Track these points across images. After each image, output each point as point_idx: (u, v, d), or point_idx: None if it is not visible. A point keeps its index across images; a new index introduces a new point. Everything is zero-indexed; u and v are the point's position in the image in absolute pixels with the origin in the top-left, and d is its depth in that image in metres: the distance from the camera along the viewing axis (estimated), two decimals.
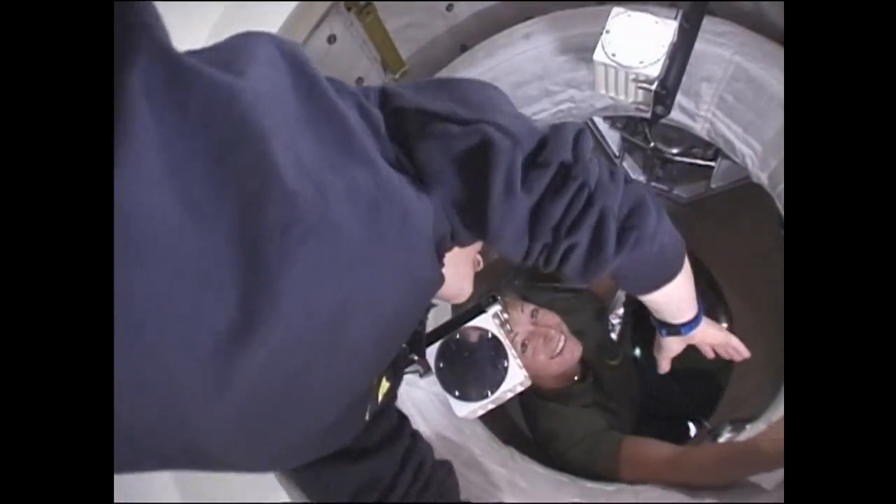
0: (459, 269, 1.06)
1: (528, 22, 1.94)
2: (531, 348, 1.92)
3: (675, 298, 1.11)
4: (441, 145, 0.77)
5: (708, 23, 1.79)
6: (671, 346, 1.33)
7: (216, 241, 0.57)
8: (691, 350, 2.67)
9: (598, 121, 2.42)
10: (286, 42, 0.73)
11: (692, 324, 1.21)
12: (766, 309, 2.46)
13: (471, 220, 0.80)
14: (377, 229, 0.69)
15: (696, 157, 2.23)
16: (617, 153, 2.43)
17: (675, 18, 1.58)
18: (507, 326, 1.52)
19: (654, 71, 1.52)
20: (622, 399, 2.14)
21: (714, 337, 1.31)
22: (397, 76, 2.03)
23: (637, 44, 1.54)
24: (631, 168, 2.50)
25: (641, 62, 1.53)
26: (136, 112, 0.52)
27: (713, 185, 2.36)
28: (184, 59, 0.59)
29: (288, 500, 1.28)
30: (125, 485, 0.94)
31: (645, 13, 1.58)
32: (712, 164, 2.22)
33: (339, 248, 0.65)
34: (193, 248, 0.55)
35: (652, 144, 2.22)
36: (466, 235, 0.82)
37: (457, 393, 1.36)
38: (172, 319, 0.54)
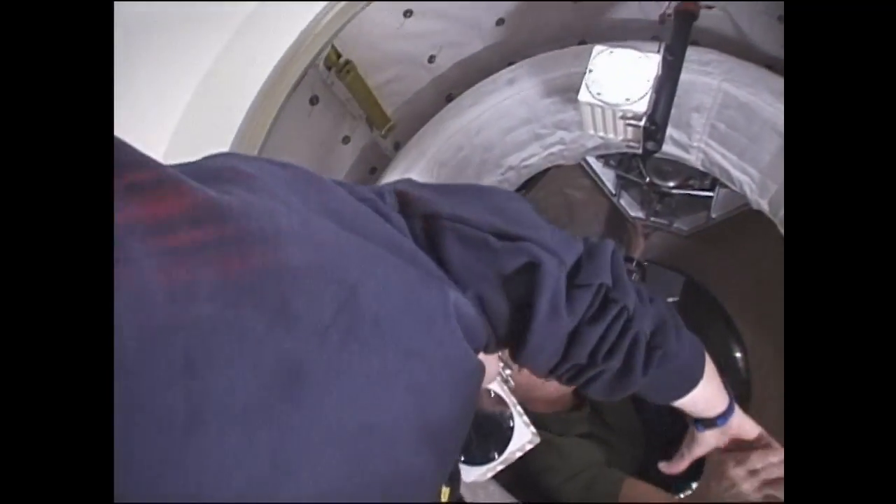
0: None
1: (512, 67, 1.93)
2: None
3: (701, 400, 1.08)
4: (484, 259, 0.73)
5: (693, 52, 1.78)
6: (707, 441, 1.24)
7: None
8: None
9: (592, 160, 2.39)
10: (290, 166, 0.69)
11: (726, 414, 1.17)
12: (779, 337, 2.39)
13: (507, 335, 0.78)
14: (421, 319, 0.64)
15: (693, 189, 2.19)
16: (613, 191, 2.40)
17: (659, 52, 1.56)
18: (511, 383, 1.48)
19: (641, 107, 1.49)
20: (623, 432, 2.07)
21: (750, 431, 1.24)
22: (383, 132, 2.01)
23: (621, 81, 1.52)
24: (629, 205, 2.46)
25: (627, 99, 1.50)
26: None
27: (713, 215, 2.32)
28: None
29: None
30: None
31: (627, 49, 1.55)
32: (710, 194, 2.18)
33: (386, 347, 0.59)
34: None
35: (648, 180, 2.19)
36: (495, 349, 0.80)
37: (463, 457, 1.31)
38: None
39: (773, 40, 1.91)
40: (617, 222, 2.63)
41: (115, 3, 1.28)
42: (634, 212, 2.46)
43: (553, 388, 1.90)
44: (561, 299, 0.75)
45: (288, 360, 0.52)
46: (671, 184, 2.20)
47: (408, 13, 1.83)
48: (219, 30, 1.54)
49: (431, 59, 2.02)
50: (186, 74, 1.52)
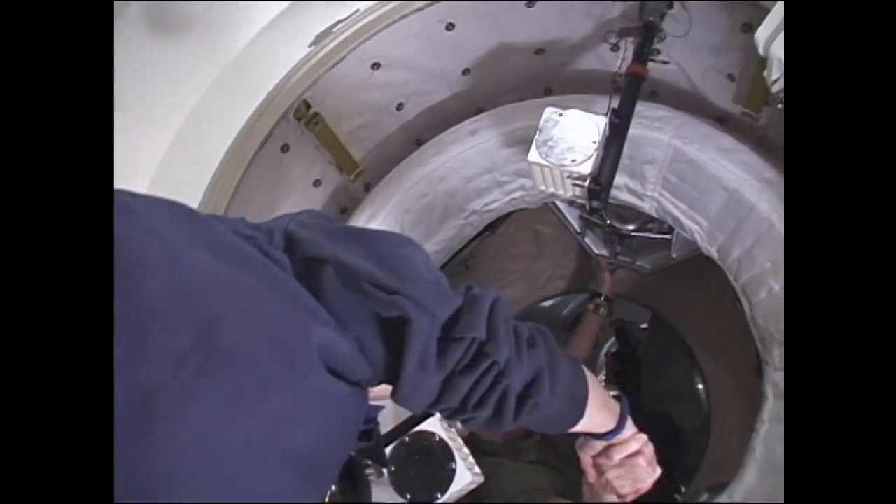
0: None
1: (474, 118, 2.02)
2: None
3: (586, 427, 1.13)
4: (361, 305, 0.78)
5: (645, 108, 1.87)
6: (594, 447, 1.27)
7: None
8: (667, 416, 2.69)
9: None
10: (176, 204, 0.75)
11: (614, 432, 1.21)
12: (740, 371, 2.48)
13: (384, 375, 0.82)
14: (283, 353, 0.68)
15: (652, 231, 2.28)
16: (578, 230, 2.49)
17: (606, 114, 1.64)
18: (458, 425, 1.56)
19: (586, 168, 1.57)
20: (573, 459, 2.14)
21: (633, 445, 1.26)
22: (352, 177, 2.10)
23: (568, 142, 1.61)
24: (593, 243, 2.55)
25: (574, 160, 1.58)
26: None
27: (674, 255, 2.41)
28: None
29: None
30: None
31: (576, 111, 1.64)
32: (668, 237, 2.27)
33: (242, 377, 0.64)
34: None
35: (608, 222, 2.27)
36: (377, 384, 0.85)
37: (408, 496, 1.39)
38: None
39: (723, 95, 2.00)
40: (584, 256, 2.72)
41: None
42: (599, 249, 2.55)
43: None
44: (430, 354, 0.79)
45: (142, 386, 0.57)
46: (631, 227, 2.29)
47: (376, 66, 1.91)
48: (195, 81, 1.64)
49: (400, 106, 2.11)
50: (164, 124, 1.62)
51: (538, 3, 1.87)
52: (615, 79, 1.77)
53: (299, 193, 2.04)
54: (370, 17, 1.63)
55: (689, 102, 2.07)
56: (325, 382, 0.70)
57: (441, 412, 0.89)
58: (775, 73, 1.36)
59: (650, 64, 1.87)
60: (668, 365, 2.80)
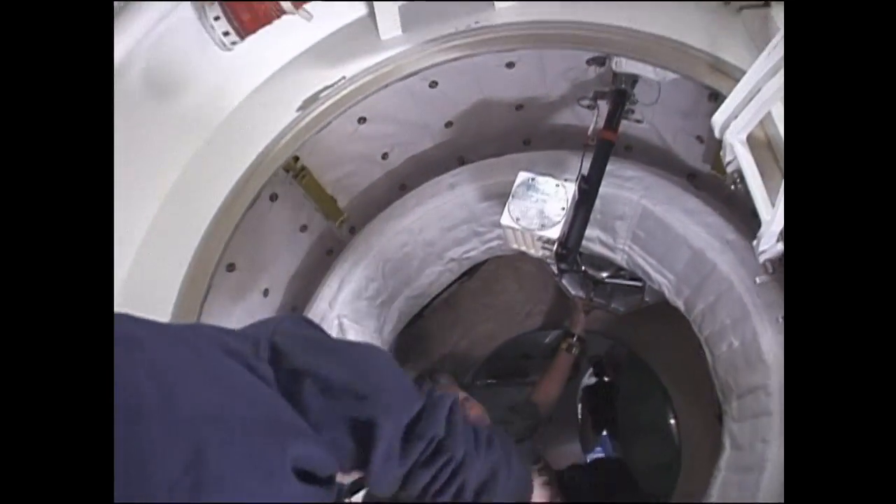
0: None
1: (454, 172, 2.11)
2: None
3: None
4: (336, 411, 0.90)
5: (616, 167, 1.96)
6: None
7: None
8: (639, 449, 2.78)
9: None
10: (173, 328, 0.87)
11: None
12: (708, 410, 2.57)
13: (355, 467, 0.93)
14: (261, 473, 0.78)
15: (624, 278, 2.37)
16: (556, 272, 2.58)
17: (576, 180, 1.74)
18: None
19: (555, 234, 1.67)
20: None
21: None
22: (337, 224, 2.19)
23: (539, 208, 1.70)
24: (570, 284, 2.64)
25: (543, 225, 1.68)
26: None
27: (647, 299, 2.50)
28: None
29: None
30: None
31: (547, 178, 1.73)
32: (640, 284, 2.36)
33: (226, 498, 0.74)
34: None
35: (583, 268, 2.37)
36: (350, 472, 0.96)
37: None
38: None
39: (692, 154, 2.10)
40: (562, 293, 2.82)
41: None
42: (575, 290, 2.64)
43: None
44: (394, 451, 0.90)
45: None
46: (604, 274, 2.38)
47: (362, 120, 2.00)
48: (190, 139, 1.73)
49: (384, 155, 2.20)
50: (160, 181, 1.71)
51: (517, 65, 1.97)
52: (587, 142, 1.87)
53: (287, 238, 2.12)
54: (356, 85, 1.72)
55: (661, 158, 2.17)
56: (297, 489, 0.79)
57: (407, 497, 1.00)
58: (729, 156, 1.46)
59: (625, 121, 1.98)
60: (643, 400, 2.90)
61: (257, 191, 1.70)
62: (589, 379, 3.50)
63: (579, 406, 3.30)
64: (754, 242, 1.43)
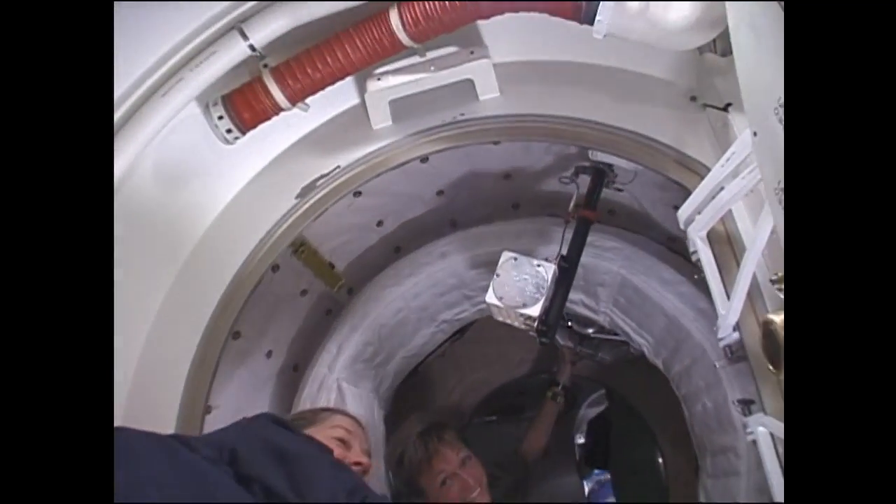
0: None
1: (444, 240, 2.24)
2: (448, 487, 2.20)
3: None
4: None
5: (598, 238, 2.09)
6: None
7: None
8: (630, 488, 2.90)
9: None
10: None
11: None
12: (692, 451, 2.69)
13: None
14: None
15: (609, 334, 2.49)
16: (539, 342, 2.70)
17: (555, 259, 1.86)
18: None
19: (535, 312, 1.79)
20: None
21: None
22: (335, 289, 2.32)
23: (520, 287, 1.82)
24: (559, 336, 2.76)
25: (524, 304, 1.80)
26: None
27: (632, 351, 2.62)
28: None
29: None
30: None
31: (528, 259, 1.85)
32: (623, 339, 2.48)
33: None
34: None
35: (570, 324, 2.49)
36: None
37: None
38: None
39: (670, 222, 2.21)
40: (552, 343, 2.94)
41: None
42: (564, 341, 2.76)
43: None
44: None
45: None
46: (590, 330, 2.51)
47: (357, 194, 2.13)
48: (196, 224, 1.87)
49: (379, 223, 2.33)
50: (170, 261, 1.85)
51: (503, 143, 2.10)
52: (568, 218, 1.99)
53: (287, 304, 2.25)
54: (350, 174, 1.85)
55: (642, 223, 2.30)
56: None
57: None
58: (692, 247, 1.58)
59: (607, 190, 2.10)
60: (632, 442, 3.02)
61: (262, 273, 1.83)
62: (588, 410, 3.63)
63: (577, 438, 3.44)
64: (714, 328, 1.55)
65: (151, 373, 1.66)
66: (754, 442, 1.44)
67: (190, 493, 1.01)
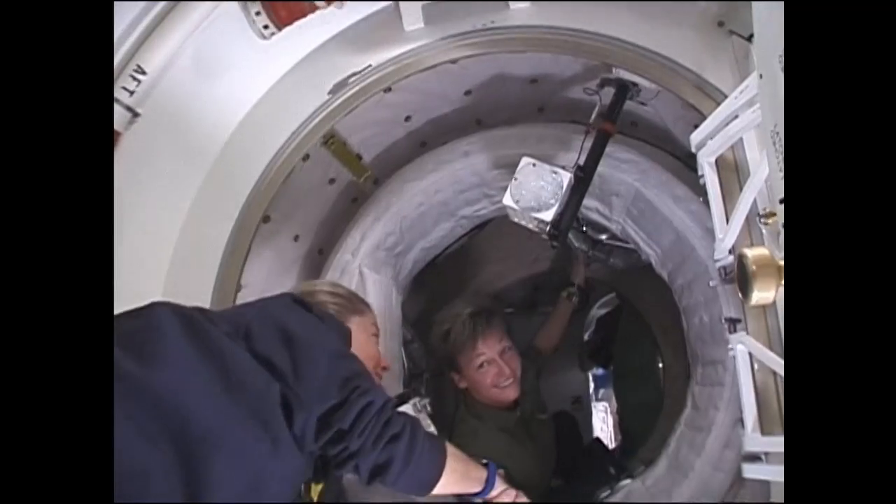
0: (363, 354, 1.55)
1: (468, 139, 2.32)
2: (485, 370, 2.40)
3: (449, 491, 1.50)
4: (274, 388, 1.21)
5: (615, 149, 2.15)
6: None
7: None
8: (629, 389, 3.06)
9: None
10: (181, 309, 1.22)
11: (482, 493, 1.57)
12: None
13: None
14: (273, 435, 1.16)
15: (621, 242, 2.58)
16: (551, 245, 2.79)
17: (572, 168, 1.94)
18: (429, 410, 1.96)
19: (548, 217, 1.89)
20: (539, 444, 2.55)
21: (506, 496, 1.63)
22: (362, 180, 2.42)
23: (536, 192, 1.92)
24: (574, 237, 2.86)
25: (539, 208, 1.90)
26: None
27: (643, 258, 2.71)
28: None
29: None
30: None
31: (546, 166, 1.94)
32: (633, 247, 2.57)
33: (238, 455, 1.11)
34: None
35: (584, 229, 2.59)
36: None
37: None
38: None
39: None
40: (567, 244, 3.04)
41: None
42: (578, 243, 2.86)
43: (493, 395, 2.41)
44: (307, 432, 1.22)
45: None
46: (603, 236, 2.60)
47: (387, 90, 2.19)
48: (233, 114, 1.96)
49: (407, 118, 2.40)
50: (209, 145, 1.95)
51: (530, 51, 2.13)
52: (588, 129, 2.05)
53: (316, 191, 2.36)
54: (381, 73, 1.92)
55: (662, 137, 2.34)
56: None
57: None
58: (700, 171, 1.65)
59: (631, 102, 2.15)
60: (635, 346, 3.17)
61: (294, 163, 1.94)
62: (599, 310, 3.78)
63: (586, 334, 3.62)
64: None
65: (189, 253, 1.79)
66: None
67: (209, 366, 1.16)
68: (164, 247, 1.78)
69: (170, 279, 1.76)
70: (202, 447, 1.07)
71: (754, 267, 1.30)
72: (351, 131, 2.28)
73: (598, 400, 3.94)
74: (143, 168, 1.76)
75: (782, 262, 1.23)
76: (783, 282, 1.25)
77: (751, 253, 1.28)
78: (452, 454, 1.43)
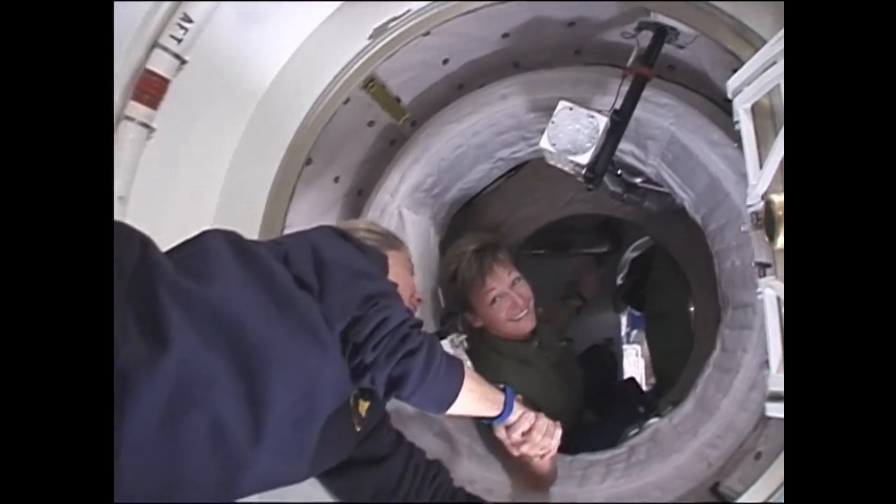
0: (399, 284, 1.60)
1: (505, 82, 2.34)
2: (498, 305, 2.45)
3: (467, 412, 1.56)
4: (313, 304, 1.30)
5: (652, 94, 2.16)
6: (498, 429, 1.70)
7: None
8: (659, 332, 3.13)
9: None
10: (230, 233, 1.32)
11: (500, 416, 1.63)
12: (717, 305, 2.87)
13: None
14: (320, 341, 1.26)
15: (655, 185, 2.61)
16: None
17: (609, 112, 1.97)
18: (466, 346, 2.04)
19: (584, 160, 1.93)
20: (562, 373, 2.63)
21: (525, 422, 1.67)
22: (400, 122, 2.47)
23: (573, 136, 1.95)
24: (609, 180, 2.88)
25: (575, 151, 1.93)
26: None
27: (677, 201, 2.74)
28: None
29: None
30: None
31: (583, 110, 1.96)
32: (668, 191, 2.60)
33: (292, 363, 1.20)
34: None
35: (619, 172, 2.61)
36: None
37: None
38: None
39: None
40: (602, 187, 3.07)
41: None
42: (613, 186, 2.88)
43: (509, 329, 2.50)
44: (334, 345, 1.29)
45: None
46: (638, 179, 2.63)
47: (425, 33, 2.22)
48: (273, 63, 2.01)
49: (445, 61, 2.42)
50: (248, 94, 2.01)
51: None
52: (625, 74, 2.07)
53: (355, 133, 2.41)
54: (421, 17, 1.94)
55: (700, 82, 2.34)
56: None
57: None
58: (735, 117, 1.67)
59: (669, 45, 2.15)
60: (667, 289, 3.21)
61: (335, 108, 1.99)
62: (632, 253, 3.82)
63: (619, 276, 3.68)
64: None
65: (235, 196, 1.87)
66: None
67: (259, 281, 1.24)
68: (211, 189, 1.86)
69: (217, 220, 1.83)
70: (259, 357, 1.15)
71: (780, 212, 1.35)
72: (390, 75, 2.31)
73: (629, 342, 4.03)
74: (190, 113, 1.81)
75: None
76: None
77: (777, 198, 1.32)
78: (471, 375, 1.50)
